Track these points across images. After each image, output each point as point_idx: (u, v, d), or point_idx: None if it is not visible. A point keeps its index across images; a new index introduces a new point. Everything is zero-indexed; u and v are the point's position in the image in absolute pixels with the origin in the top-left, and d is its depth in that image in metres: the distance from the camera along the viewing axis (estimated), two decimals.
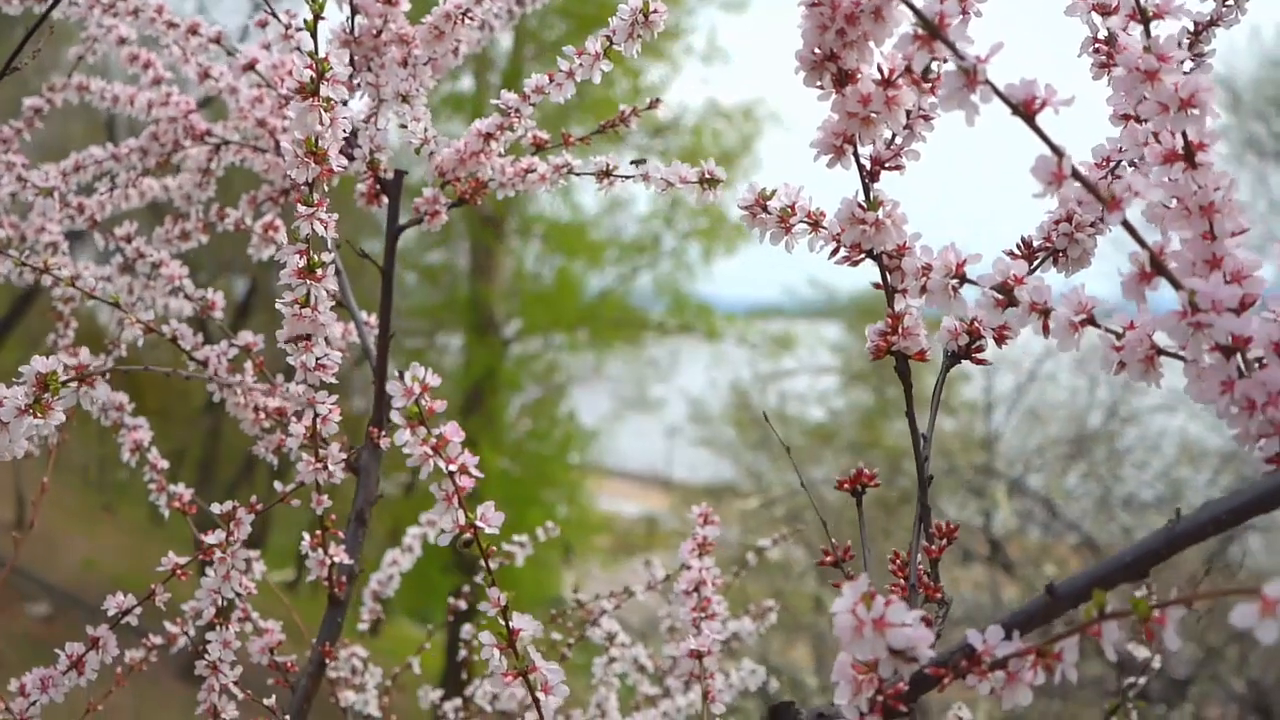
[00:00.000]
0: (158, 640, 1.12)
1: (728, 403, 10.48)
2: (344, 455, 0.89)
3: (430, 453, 0.60)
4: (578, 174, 0.94)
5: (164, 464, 1.07)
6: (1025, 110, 0.49)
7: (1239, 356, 0.51)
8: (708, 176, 0.82)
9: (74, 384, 0.64)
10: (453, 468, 0.60)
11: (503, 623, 0.63)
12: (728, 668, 1.33)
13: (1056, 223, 0.67)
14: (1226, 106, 8.71)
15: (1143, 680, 1.09)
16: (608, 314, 11.44)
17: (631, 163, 0.91)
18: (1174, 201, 0.54)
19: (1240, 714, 5.91)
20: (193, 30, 1.07)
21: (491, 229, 11.03)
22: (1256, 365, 0.51)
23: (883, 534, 7.07)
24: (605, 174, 0.92)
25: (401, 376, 0.60)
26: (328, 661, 0.97)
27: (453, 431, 0.61)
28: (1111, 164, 0.67)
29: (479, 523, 0.62)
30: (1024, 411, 7.80)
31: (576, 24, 10.54)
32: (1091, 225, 0.66)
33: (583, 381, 11.91)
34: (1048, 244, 0.67)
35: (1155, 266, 0.50)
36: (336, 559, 0.95)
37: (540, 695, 0.63)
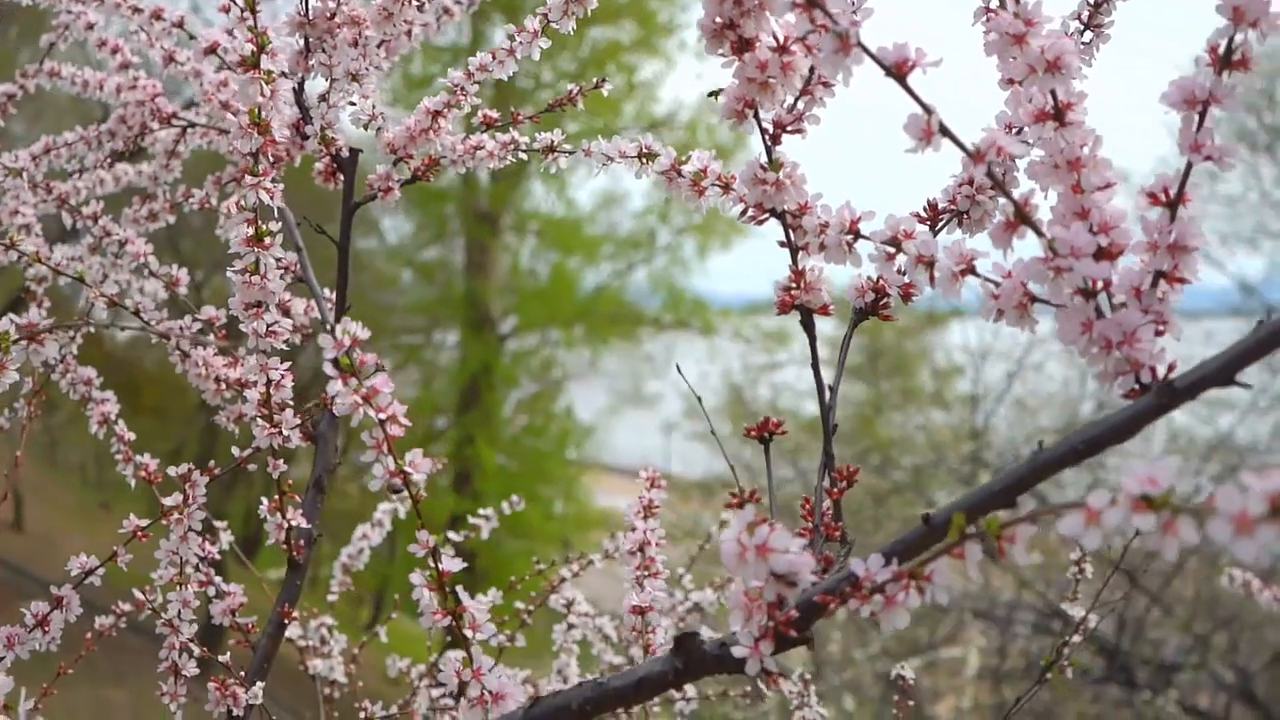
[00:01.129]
0: (126, 607, 1.16)
1: (723, 397, 10.52)
2: (298, 421, 0.93)
3: (361, 402, 0.64)
4: (524, 150, 0.98)
5: (131, 435, 1.11)
6: (897, 72, 0.53)
7: (1103, 300, 0.55)
8: (645, 151, 0.86)
9: (23, 342, 0.68)
10: (383, 416, 0.64)
11: (432, 564, 0.67)
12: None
13: (960, 185, 0.70)
14: None
15: (1077, 639, 1.13)
16: (603, 309, 11.49)
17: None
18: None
19: (1228, 701, 5.96)
20: (156, 15, 1.11)
21: (487, 225, 11.08)
22: (1123, 309, 0.55)
23: (872, 523, 7.11)
24: (550, 149, 0.96)
25: (333, 331, 0.63)
26: (287, 622, 1.01)
27: (383, 383, 0.65)
28: (1013, 130, 0.71)
29: (407, 469, 0.65)
30: (1015, 404, 7.85)
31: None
32: (993, 188, 0.69)
33: (579, 377, 11.96)
34: (952, 205, 0.70)
35: (1020, 216, 0.54)
36: (294, 523, 0.98)
37: (468, 632, 0.67)
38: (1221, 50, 0.54)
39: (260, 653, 0.99)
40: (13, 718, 0.67)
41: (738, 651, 0.57)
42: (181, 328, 1.04)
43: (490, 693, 0.66)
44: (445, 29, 1.11)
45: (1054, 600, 6.62)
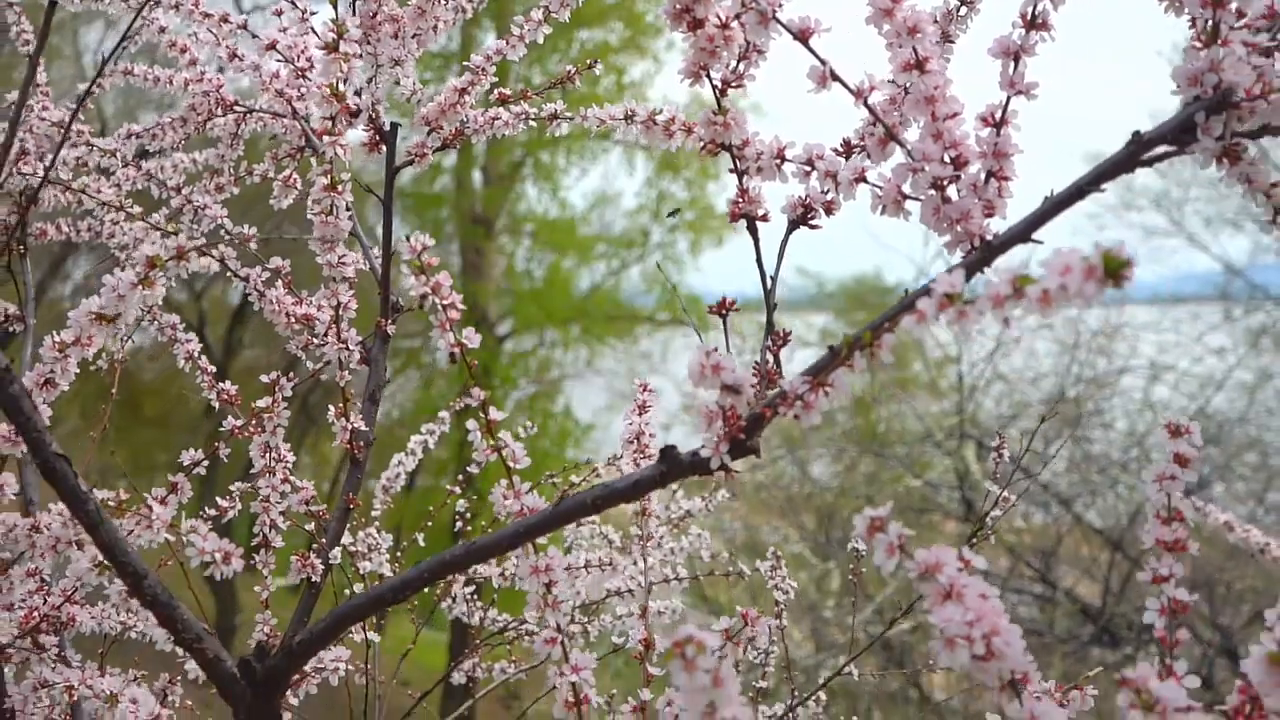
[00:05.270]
0: (212, 513, 1.38)
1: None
2: (361, 339, 1.16)
3: (429, 291, 0.87)
4: (533, 120, 1.21)
5: (212, 369, 1.34)
6: (802, 36, 0.76)
7: (952, 192, 0.78)
8: (629, 113, 1.09)
9: (174, 260, 0.90)
10: (445, 301, 0.87)
11: (484, 418, 0.90)
12: (680, 536, 1.60)
13: (867, 126, 0.93)
14: None
15: (999, 513, 1.36)
16: (599, 309, 11.72)
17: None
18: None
19: (1211, 659, 6.20)
20: (224, 19, 1.34)
21: (482, 229, 11.32)
22: (963, 199, 0.78)
23: (867, 500, 7.35)
24: (554, 116, 1.19)
25: (408, 238, 0.86)
26: (351, 508, 1.24)
27: (444, 279, 0.88)
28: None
29: (464, 340, 0.88)
30: (1001, 380, 8.11)
31: (559, 23, 10.85)
32: (897, 126, 0.92)
33: (576, 376, 12.17)
34: (862, 141, 0.93)
35: (888, 134, 0.77)
36: (356, 426, 1.21)
37: (510, 464, 0.90)
38: (1029, 15, 0.77)
39: (331, 532, 1.22)
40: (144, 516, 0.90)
41: (704, 453, 0.80)
42: (256, 274, 1.27)
43: (527, 507, 0.89)
44: (438, 36, 1.34)
45: (1044, 571, 6.87)
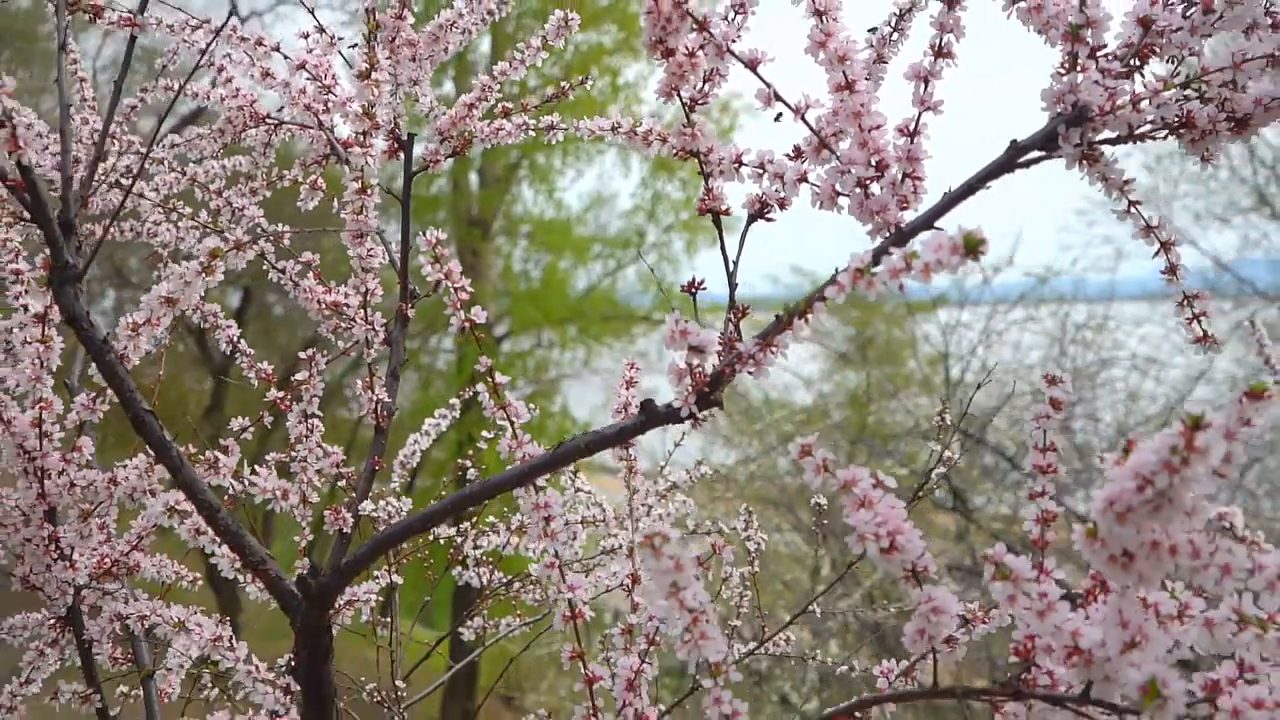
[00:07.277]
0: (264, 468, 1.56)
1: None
2: (385, 321, 1.34)
3: (443, 277, 1.05)
4: (533, 130, 1.39)
5: (250, 351, 1.51)
6: (751, 65, 0.94)
7: (873, 188, 0.96)
8: (615, 125, 1.27)
9: (232, 251, 1.08)
10: (457, 285, 1.05)
11: (490, 380, 1.08)
12: (666, 504, 1.78)
13: (810, 134, 1.11)
14: None
15: (941, 470, 1.54)
16: (595, 309, 11.89)
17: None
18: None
19: None
20: (259, 42, 1.52)
21: (478, 231, 11.49)
22: (883, 194, 0.96)
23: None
24: (551, 127, 1.37)
25: (425, 233, 1.04)
26: (376, 469, 1.41)
27: (455, 266, 1.06)
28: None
29: (473, 317, 1.06)
30: (991, 377, 8.31)
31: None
32: (835, 135, 1.10)
33: (574, 376, 12.34)
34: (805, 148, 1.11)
35: (821, 144, 0.95)
36: (380, 398, 1.39)
37: (514, 418, 1.08)
38: (937, 46, 0.95)
39: (360, 489, 1.39)
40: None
41: (675, 404, 0.98)
42: (288, 268, 1.44)
43: (527, 454, 1.07)
44: (447, 56, 1.51)
45: (1032, 560, 7.04)
